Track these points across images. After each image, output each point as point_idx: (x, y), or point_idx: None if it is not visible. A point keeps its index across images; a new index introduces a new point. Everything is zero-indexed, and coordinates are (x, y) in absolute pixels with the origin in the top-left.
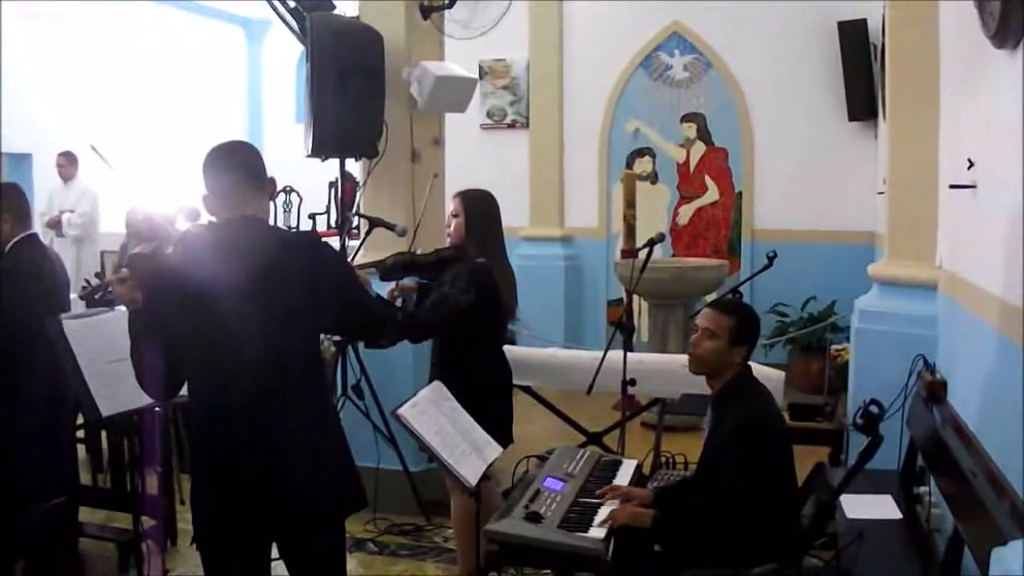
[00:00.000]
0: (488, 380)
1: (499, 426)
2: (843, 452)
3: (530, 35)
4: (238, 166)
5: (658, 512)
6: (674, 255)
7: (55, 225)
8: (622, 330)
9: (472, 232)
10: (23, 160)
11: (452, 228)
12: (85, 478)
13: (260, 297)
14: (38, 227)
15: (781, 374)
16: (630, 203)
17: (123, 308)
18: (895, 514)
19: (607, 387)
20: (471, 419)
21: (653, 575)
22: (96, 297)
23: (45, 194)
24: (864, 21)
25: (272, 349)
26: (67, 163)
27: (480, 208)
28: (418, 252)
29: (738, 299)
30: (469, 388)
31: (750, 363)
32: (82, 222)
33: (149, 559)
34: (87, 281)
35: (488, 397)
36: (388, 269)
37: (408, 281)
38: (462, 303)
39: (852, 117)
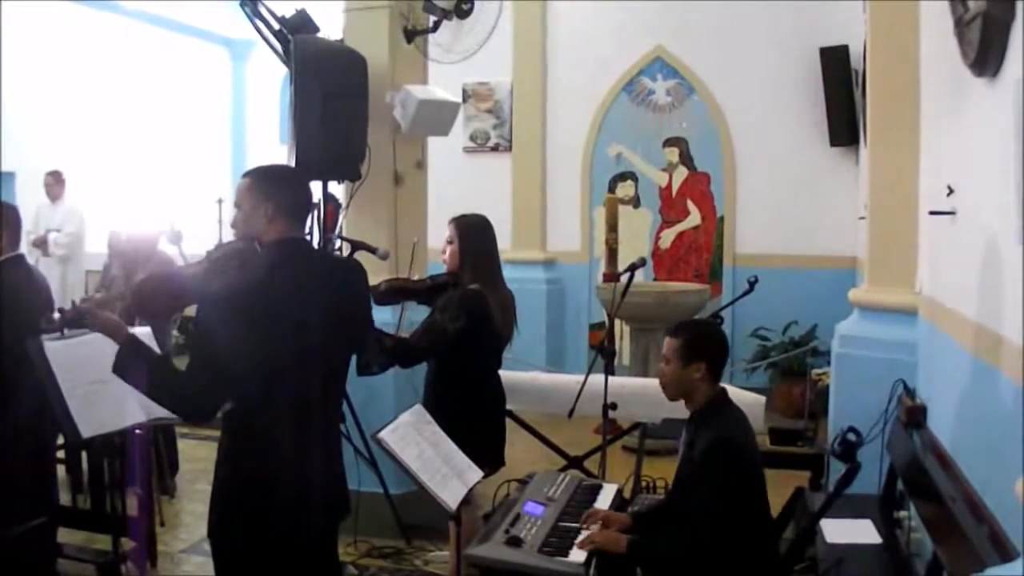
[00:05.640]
0: (480, 403)
1: (490, 449)
2: (823, 477)
3: (513, 59)
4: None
5: (633, 537)
6: (656, 279)
7: (41, 244)
8: (604, 354)
9: (467, 258)
10: (6, 179)
11: (447, 254)
12: (65, 499)
13: (334, 317)
14: (24, 246)
15: (761, 398)
16: (612, 227)
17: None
18: (875, 539)
19: (588, 411)
20: (452, 443)
21: None
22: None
23: (28, 213)
24: (846, 47)
25: (337, 365)
26: (55, 182)
27: (475, 234)
28: (413, 278)
29: (695, 319)
30: (461, 411)
31: (725, 387)
32: (68, 242)
33: None
34: (61, 309)
35: (480, 420)
36: (382, 294)
37: None
38: (451, 330)
39: (834, 142)
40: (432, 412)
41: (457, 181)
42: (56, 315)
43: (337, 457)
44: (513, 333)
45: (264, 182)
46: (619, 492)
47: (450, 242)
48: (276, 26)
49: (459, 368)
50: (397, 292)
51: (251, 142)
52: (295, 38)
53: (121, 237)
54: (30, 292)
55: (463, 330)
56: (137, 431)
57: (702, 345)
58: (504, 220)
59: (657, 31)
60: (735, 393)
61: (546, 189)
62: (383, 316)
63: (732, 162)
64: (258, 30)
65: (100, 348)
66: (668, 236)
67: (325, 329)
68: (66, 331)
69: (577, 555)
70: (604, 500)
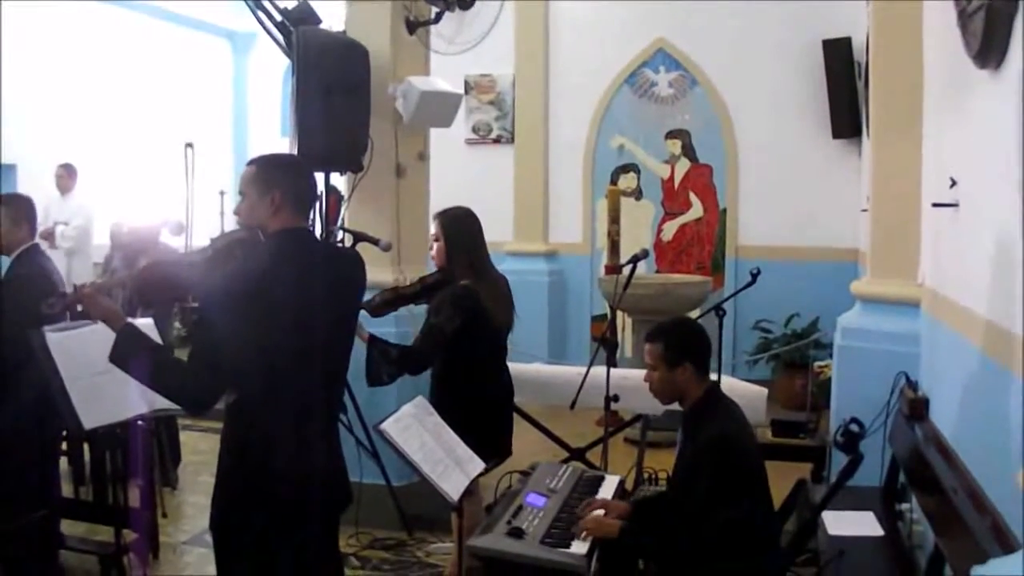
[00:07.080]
0: (484, 395)
1: (496, 440)
2: (825, 469)
3: (516, 50)
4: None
5: (625, 524)
6: (658, 271)
7: (49, 236)
8: (606, 346)
9: (454, 254)
10: (7, 171)
11: (434, 251)
12: (67, 490)
13: (336, 309)
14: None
15: (763, 390)
16: (614, 219)
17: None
18: (877, 531)
19: (590, 403)
20: (454, 434)
21: None
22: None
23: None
24: (848, 39)
25: (339, 357)
26: (66, 175)
27: (460, 228)
28: (405, 284)
29: (670, 320)
30: (466, 404)
31: (714, 378)
32: (75, 235)
33: (131, 573)
34: (63, 293)
35: (485, 411)
36: (377, 307)
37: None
38: (449, 330)
39: (836, 135)
40: (438, 407)
41: (459, 173)
42: (57, 299)
43: (338, 448)
44: (513, 320)
45: (270, 171)
46: (621, 484)
47: (436, 239)
48: (278, 18)
49: (460, 364)
50: (391, 302)
51: (253, 135)
52: (297, 30)
53: (123, 229)
54: (44, 283)
55: (460, 328)
56: (139, 423)
57: (683, 345)
58: (506, 212)
59: (660, 23)
60: (737, 385)
61: (548, 181)
62: (384, 326)
63: (734, 154)
64: (260, 22)
65: (102, 339)
66: (670, 228)
67: (328, 321)
68: (68, 319)
69: (579, 546)
70: (606, 492)
